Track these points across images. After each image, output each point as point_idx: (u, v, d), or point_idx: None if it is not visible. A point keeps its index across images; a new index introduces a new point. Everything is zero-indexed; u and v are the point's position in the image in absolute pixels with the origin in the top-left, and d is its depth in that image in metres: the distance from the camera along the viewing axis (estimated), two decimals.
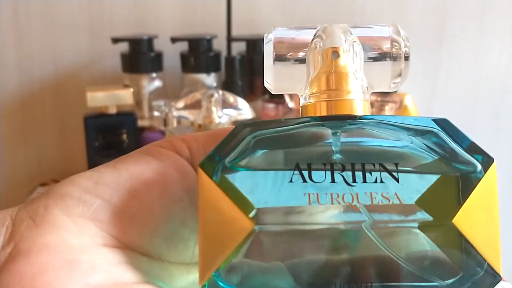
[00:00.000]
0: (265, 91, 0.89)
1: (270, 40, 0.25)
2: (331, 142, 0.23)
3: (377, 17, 0.93)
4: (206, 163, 0.23)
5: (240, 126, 0.23)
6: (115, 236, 0.23)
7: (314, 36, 0.25)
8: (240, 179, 0.22)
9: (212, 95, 0.68)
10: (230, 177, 0.22)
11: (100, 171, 0.24)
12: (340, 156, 0.23)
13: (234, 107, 0.70)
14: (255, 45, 0.87)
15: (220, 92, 0.70)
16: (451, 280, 0.22)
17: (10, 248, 0.22)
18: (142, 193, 0.24)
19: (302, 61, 0.25)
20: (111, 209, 0.23)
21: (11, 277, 0.21)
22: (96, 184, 0.24)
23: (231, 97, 0.70)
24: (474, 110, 0.97)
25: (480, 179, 0.22)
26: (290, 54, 0.25)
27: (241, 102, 0.71)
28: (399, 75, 0.25)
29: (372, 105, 0.76)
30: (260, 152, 0.23)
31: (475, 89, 0.97)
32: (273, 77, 0.25)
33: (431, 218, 0.22)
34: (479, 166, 0.22)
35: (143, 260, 0.24)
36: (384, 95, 0.78)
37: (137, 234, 0.24)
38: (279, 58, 0.25)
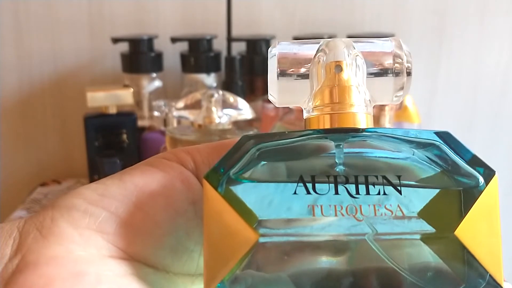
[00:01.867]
0: (265, 91, 0.89)
1: (275, 55, 0.25)
2: (334, 154, 0.23)
3: (377, 17, 0.93)
4: (211, 175, 0.23)
5: (244, 138, 0.23)
6: (121, 247, 0.24)
7: (317, 50, 0.25)
8: (244, 191, 0.22)
9: (212, 95, 0.68)
10: (235, 189, 0.22)
11: (105, 183, 0.25)
12: (344, 168, 0.23)
13: (234, 107, 0.70)
14: (255, 45, 0.87)
15: (220, 92, 0.70)
16: None
17: (17, 260, 0.22)
18: (147, 205, 0.24)
19: (305, 75, 0.25)
20: (117, 221, 0.24)
21: None
22: (102, 196, 0.24)
23: (231, 97, 0.70)
24: (474, 110, 0.97)
25: (481, 192, 0.22)
26: (294, 69, 0.25)
27: (241, 102, 0.71)
28: (401, 88, 0.25)
29: None
30: (264, 164, 0.23)
31: (475, 89, 0.97)
32: (277, 91, 0.25)
33: (433, 230, 0.22)
34: (480, 179, 0.22)
35: (149, 272, 0.24)
36: None
37: (142, 246, 0.24)
38: (283, 73, 0.25)
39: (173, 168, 0.25)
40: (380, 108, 0.77)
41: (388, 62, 0.25)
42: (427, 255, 0.22)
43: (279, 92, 0.25)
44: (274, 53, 0.25)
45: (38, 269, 0.22)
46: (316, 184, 0.22)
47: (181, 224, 0.24)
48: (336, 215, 0.22)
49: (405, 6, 0.93)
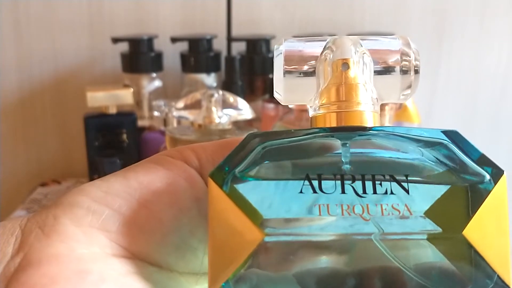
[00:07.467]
0: (265, 91, 0.89)
1: (281, 53, 0.25)
2: (340, 153, 0.23)
3: (377, 17, 0.93)
4: (216, 173, 0.23)
5: (249, 137, 0.23)
6: (124, 246, 0.23)
7: (324, 47, 0.25)
8: (250, 190, 0.22)
9: (212, 95, 0.68)
10: (240, 187, 0.22)
11: (109, 180, 0.24)
12: (350, 167, 0.23)
13: (234, 107, 0.70)
14: (255, 45, 0.87)
15: (220, 92, 0.70)
16: None
17: (19, 258, 0.22)
18: (151, 203, 0.24)
19: (312, 73, 0.25)
20: (120, 219, 0.23)
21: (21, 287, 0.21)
22: (105, 194, 0.24)
23: (231, 97, 0.70)
24: (474, 110, 0.97)
25: (490, 191, 0.22)
26: (300, 67, 0.25)
27: (241, 102, 0.71)
28: (409, 87, 0.25)
29: None
30: (269, 163, 0.23)
31: (475, 89, 0.97)
32: (283, 89, 0.25)
33: (440, 230, 0.22)
34: (489, 178, 0.22)
35: (152, 270, 0.24)
36: None
37: (146, 244, 0.24)
38: (289, 71, 0.25)
39: (177, 165, 0.25)
40: (380, 108, 0.77)
41: (396, 60, 0.25)
42: (434, 255, 0.22)
43: (285, 90, 0.25)
44: (280, 50, 0.25)
45: (40, 268, 0.22)
46: (322, 183, 0.22)
47: (185, 222, 0.24)
48: (342, 214, 0.22)
49: (405, 6, 0.93)
